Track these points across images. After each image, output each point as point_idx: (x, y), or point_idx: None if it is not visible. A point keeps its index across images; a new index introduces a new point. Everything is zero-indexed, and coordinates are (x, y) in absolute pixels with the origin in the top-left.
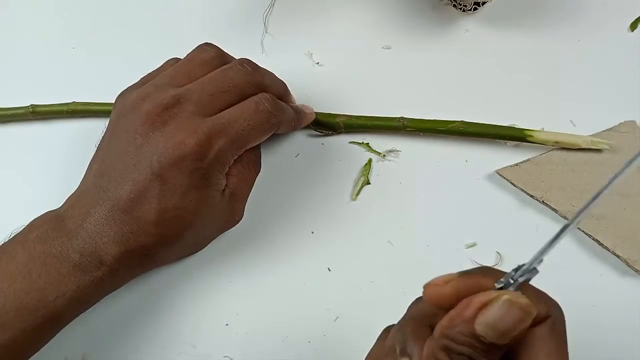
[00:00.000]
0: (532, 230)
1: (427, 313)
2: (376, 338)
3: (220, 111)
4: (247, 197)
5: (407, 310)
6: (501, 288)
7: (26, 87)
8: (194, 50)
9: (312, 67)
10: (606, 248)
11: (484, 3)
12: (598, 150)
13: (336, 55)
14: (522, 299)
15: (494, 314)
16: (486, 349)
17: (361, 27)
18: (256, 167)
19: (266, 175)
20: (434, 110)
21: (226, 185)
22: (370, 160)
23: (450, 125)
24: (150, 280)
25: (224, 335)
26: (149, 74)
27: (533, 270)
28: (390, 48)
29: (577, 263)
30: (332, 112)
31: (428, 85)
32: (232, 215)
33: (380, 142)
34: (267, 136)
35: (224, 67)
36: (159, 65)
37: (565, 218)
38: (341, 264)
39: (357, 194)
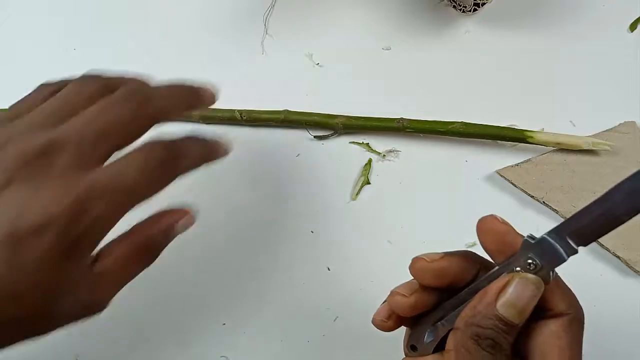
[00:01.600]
0: (532, 231)
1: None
2: (375, 338)
3: (104, 159)
4: (121, 286)
5: None
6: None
7: (27, 89)
8: (72, 81)
9: (312, 68)
10: (606, 249)
11: (483, 4)
12: (598, 151)
13: (336, 56)
14: (532, 276)
15: (512, 293)
16: (507, 330)
17: (361, 28)
18: (145, 256)
19: (266, 175)
20: (433, 110)
21: (97, 260)
22: (370, 160)
23: (450, 126)
24: (146, 279)
25: (221, 335)
26: (17, 102)
27: (559, 255)
28: (390, 48)
29: (577, 263)
30: (331, 113)
31: (428, 85)
32: (93, 301)
33: (380, 142)
34: (161, 190)
35: (107, 101)
36: (159, 65)
37: (565, 219)
38: (341, 263)
39: (357, 194)
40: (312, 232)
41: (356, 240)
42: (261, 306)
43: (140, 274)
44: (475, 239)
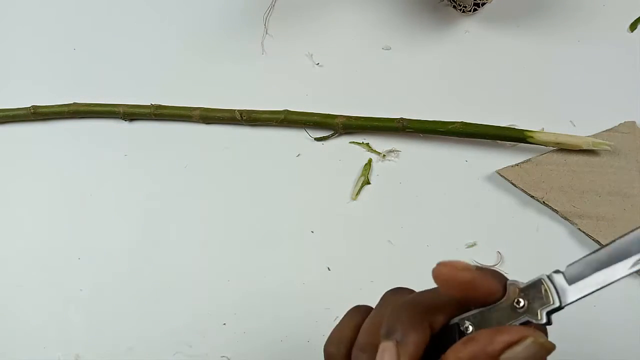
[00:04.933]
0: (532, 231)
1: (426, 307)
2: None
3: None
4: None
5: (400, 298)
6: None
7: (27, 88)
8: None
9: (312, 68)
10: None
11: (483, 4)
12: (598, 151)
13: (336, 56)
14: (548, 342)
15: (521, 353)
16: None
17: (361, 28)
18: None
19: (266, 175)
20: (433, 110)
21: None
22: (370, 160)
23: (450, 126)
24: (146, 278)
25: (221, 334)
26: None
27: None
28: (390, 49)
29: None
30: (331, 113)
31: (428, 85)
32: None
33: (380, 142)
34: None
35: None
36: (159, 65)
37: (565, 219)
38: (341, 263)
39: (357, 194)
40: (312, 232)
41: (356, 240)
42: (261, 306)
43: (137, 274)
44: (476, 239)
